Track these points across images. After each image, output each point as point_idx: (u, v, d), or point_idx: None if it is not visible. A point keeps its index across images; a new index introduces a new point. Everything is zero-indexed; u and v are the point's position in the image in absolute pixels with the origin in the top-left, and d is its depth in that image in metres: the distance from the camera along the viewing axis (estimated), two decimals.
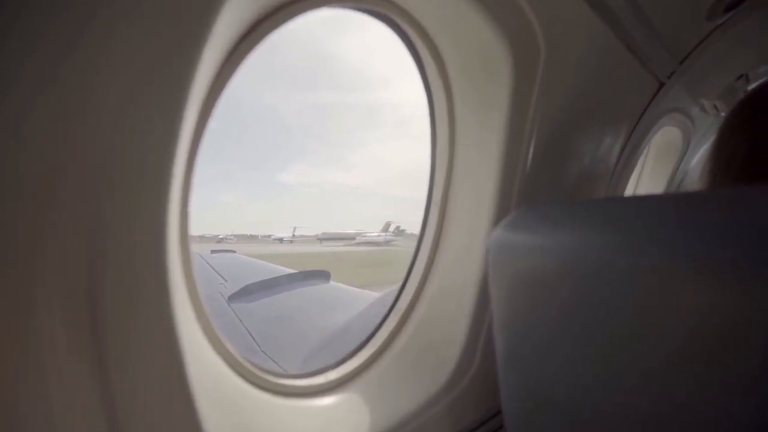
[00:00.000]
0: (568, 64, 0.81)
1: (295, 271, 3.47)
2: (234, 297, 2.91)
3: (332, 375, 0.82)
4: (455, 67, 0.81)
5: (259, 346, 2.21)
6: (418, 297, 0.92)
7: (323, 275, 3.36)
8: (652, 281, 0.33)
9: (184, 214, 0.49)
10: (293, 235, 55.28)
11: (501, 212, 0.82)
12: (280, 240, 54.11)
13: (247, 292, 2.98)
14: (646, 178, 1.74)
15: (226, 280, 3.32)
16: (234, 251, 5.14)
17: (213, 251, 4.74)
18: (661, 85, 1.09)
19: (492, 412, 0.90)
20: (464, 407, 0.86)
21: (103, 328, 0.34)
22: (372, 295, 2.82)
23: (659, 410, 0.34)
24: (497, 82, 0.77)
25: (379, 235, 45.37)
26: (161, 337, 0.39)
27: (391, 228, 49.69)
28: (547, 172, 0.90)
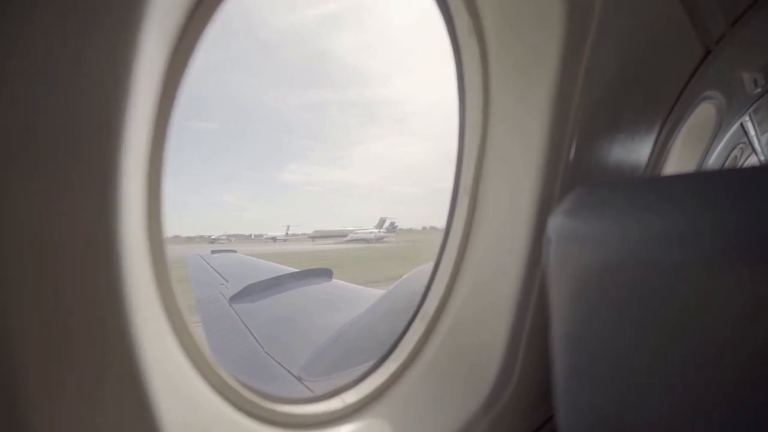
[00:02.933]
0: (622, 18, 0.68)
1: (297, 270, 3.40)
2: (235, 297, 2.84)
3: (350, 397, 0.68)
4: (493, 18, 0.66)
5: (262, 347, 2.13)
6: (447, 299, 0.79)
7: (325, 273, 3.28)
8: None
9: (154, 217, 0.43)
10: (287, 233, 55.13)
11: (545, 196, 0.69)
12: (274, 239, 53.86)
13: (248, 293, 2.90)
14: (674, 159, 1.64)
15: (227, 281, 3.25)
16: (235, 251, 5.06)
17: (213, 252, 4.64)
18: (708, 53, 0.99)
19: (538, 424, 0.78)
20: (507, 426, 0.73)
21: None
22: (377, 292, 2.72)
23: None
24: (545, 40, 0.63)
25: (370, 232, 45.50)
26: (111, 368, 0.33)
27: (386, 224, 49.78)
28: (593, 148, 0.77)
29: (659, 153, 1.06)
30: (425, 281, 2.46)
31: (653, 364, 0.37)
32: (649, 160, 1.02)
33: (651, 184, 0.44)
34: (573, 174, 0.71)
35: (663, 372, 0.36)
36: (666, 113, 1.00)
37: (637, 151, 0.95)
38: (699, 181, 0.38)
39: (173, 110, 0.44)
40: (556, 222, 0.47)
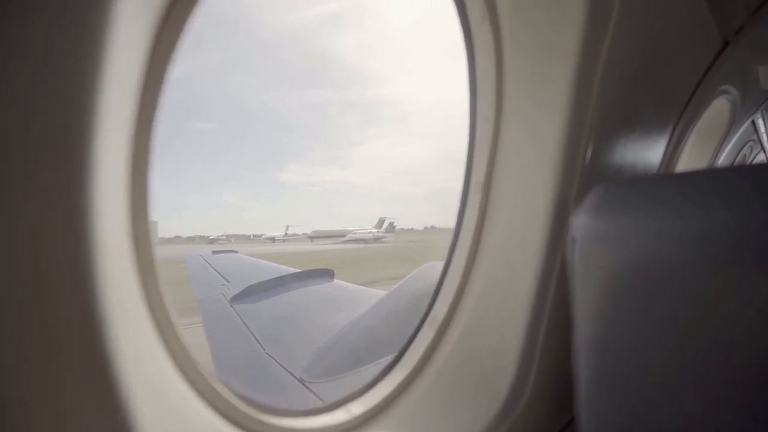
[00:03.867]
0: (642, 9, 0.66)
1: (299, 271, 3.38)
2: (236, 298, 2.82)
3: (356, 408, 0.64)
4: (509, 5, 0.62)
5: (264, 349, 2.10)
6: (458, 302, 0.74)
7: (327, 274, 3.26)
8: None
9: (139, 218, 0.40)
10: (285, 233, 55.21)
11: (562, 193, 0.65)
12: (272, 239, 53.93)
13: (249, 293, 2.88)
14: (684, 156, 1.60)
15: (228, 281, 3.23)
16: (236, 251, 5.07)
17: (215, 252, 4.65)
18: (726, 44, 0.96)
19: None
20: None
21: None
22: (378, 293, 2.70)
23: None
24: (564, 25, 0.59)
25: (369, 232, 45.66)
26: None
27: (385, 224, 49.89)
28: (610, 145, 0.74)
29: (673, 150, 1.03)
30: (427, 281, 2.44)
31: (685, 369, 0.36)
32: (663, 157, 0.99)
33: (676, 181, 0.43)
34: (590, 171, 0.68)
35: (695, 376, 0.35)
36: (681, 109, 0.97)
37: (652, 148, 0.92)
38: (726, 177, 0.38)
39: (156, 109, 0.42)
40: (580, 221, 0.45)
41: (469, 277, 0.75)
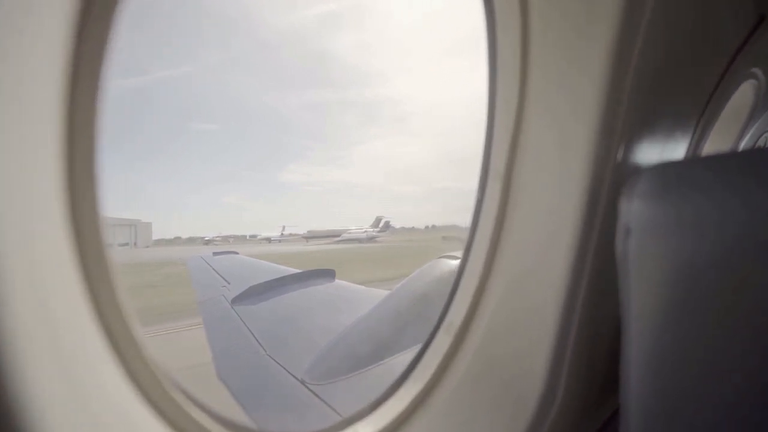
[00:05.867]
0: None
1: (300, 271, 3.36)
2: (237, 299, 2.80)
3: (365, 428, 0.59)
4: None
5: (265, 350, 2.09)
6: (477, 304, 0.67)
7: (328, 274, 3.24)
8: None
9: (81, 219, 0.37)
10: (281, 234, 54.82)
11: (594, 179, 0.58)
12: (268, 239, 53.53)
13: (250, 294, 2.86)
14: (706, 145, 1.50)
15: (229, 283, 3.21)
16: (237, 252, 5.01)
17: (215, 253, 4.61)
18: (761, 20, 0.89)
19: None
20: None
21: None
22: (381, 293, 2.67)
23: None
24: (599, 8, 0.53)
25: (364, 232, 45.43)
26: None
27: (381, 223, 49.69)
28: (644, 128, 0.66)
29: (703, 130, 0.96)
30: (429, 280, 2.42)
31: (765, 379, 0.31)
32: (690, 142, 0.91)
33: (740, 159, 0.38)
34: (623, 160, 0.61)
35: None
36: (710, 92, 0.90)
37: (679, 133, 0.85)
38: None
39: (95, 105, 0.39)
40: (634, 208, 0.40)
41: (490, 276, 0.67)
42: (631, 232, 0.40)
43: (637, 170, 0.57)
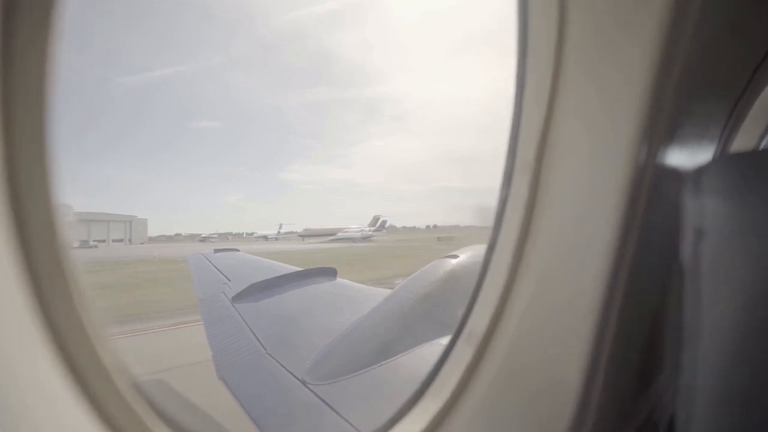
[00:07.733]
0: None
1: (301, 269, 3.34)
2: (238, 297, 2.78)
3: None
4: None
5: (265, 349, 2.06)
6: (502, 309, 0.61)
7: (330, 272, 3.22)
8: None
9: (35, 220, 0.35)
10: (278, 232, 54.69)
11: (635, 176, 0.54)
12: (265, 238, 53.39)
13: (251, 292, 2.84)
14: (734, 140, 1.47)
15: (230, 280, 3.19)
16: (237, 249, 5.00)
17: (216, 250, 4.60)
18: None
19: None
20: None
21: None
22: (383, 292, 2.66)
23: None
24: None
25: (359, 231, 45.44)
26: None
27: (378, 222, 49.67)
28: (681, 122, 0.61)
29: (733, 127, 0.91)
30: (430, 280, 2.40)
31: None
32: (722, 134, 0.86)
33: None
34: (662, 157, 0.57)
35: None
36: (741, 90, 0.86)
37: (712, 128, 0.80)
38: None
39: (43, 99, 0.38)
40: (705, 205, 0.36)
41: (516, 278, 0.62)
42: (703, 234, 0.37)
43: (684, 169, 0.54)
